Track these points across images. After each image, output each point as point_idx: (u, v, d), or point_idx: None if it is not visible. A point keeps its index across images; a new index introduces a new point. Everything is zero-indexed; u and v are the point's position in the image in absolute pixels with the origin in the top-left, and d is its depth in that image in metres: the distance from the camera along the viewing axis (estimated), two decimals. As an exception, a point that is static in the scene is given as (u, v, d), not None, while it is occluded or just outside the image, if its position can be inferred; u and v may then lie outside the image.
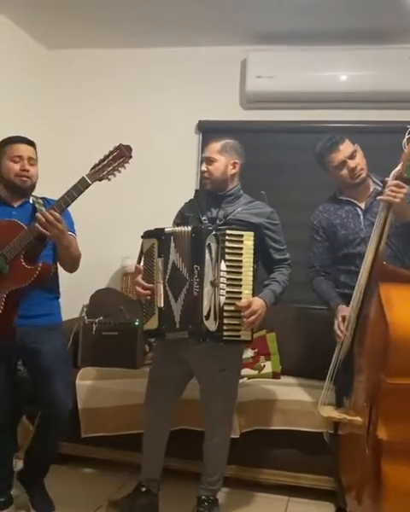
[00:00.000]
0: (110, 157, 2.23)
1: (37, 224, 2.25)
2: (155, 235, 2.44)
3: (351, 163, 2.57)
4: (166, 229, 2.44)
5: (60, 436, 2.64)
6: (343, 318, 2.43)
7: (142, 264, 2.47)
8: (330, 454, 2.64)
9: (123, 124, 4.04)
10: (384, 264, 2.25)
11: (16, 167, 2.45)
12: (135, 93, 4.06)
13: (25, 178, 2.47)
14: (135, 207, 3.88)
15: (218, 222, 2.51)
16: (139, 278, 2.45)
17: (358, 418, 2.17)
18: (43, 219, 2.23)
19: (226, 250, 2.35)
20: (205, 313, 2.32)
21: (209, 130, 3.91)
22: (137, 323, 3.30)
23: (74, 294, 3.49)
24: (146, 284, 2.42)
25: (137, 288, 2.45)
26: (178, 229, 2.44)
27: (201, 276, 2.33)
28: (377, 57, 3.59)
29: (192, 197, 2.76)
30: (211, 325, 2.32)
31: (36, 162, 2.53)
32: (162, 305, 2.39)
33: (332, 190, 2.81)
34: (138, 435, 2.66)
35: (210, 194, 2.64)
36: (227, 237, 2.36)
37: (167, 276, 2.40)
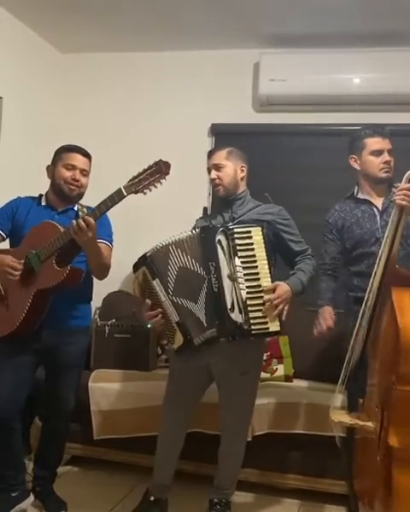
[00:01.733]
0: (149, 171, 2.25)
1: (70, 229, 2.30)
2: (141, 264, 2.46)
3: (388, 156, 2.60)
4: (147, 254, 2.45)
5: (62, 436, 2.71)
6: (328, 328, 2.56)
7: (146, 295, 2.47)
8: (343, 458, 2.63)
9: (136, 127, 4.06)
10: (397, 267, 2.23)
11: (68, 174, 2.54)
12: (148, 96, 4.07)
13: (73, 187, 2.55)
14: (148, 210, 3.88)
15: (226, 224, 2.50)
16: (149, 313, 2.45)
17: (369, 424, 2.15)
18: (76, 225, 2.28)
19: (237, 247, 2.36)
20: (229, 306, 2.32)
21: (222, 134, 3.92)
22: (149, 326, 3.31)
23: (87, 297, 3.51)
24: (152, 313, 2.43)
25: (150, 320, 2.47)
26: (177, 237, 2.42)
27: (217, 271, 2.34)
28: (391, 59, 3.58)
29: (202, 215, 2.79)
30: (237, 317, 2.32)
31: (88, 174, 2.62)
32: (178, 319, 2.38)
33: (345, 193, 2.80)
34: (150, 438, 2.67)
35: (220, 200, 2.67)
36: (236, 235, 2.37)
37: (171, 288, 2.39)
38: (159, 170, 2.24)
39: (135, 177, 2.26)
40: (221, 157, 2.63)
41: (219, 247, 2.36)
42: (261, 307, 2.34)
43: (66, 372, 2.59)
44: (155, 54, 4.02)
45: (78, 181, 2.55)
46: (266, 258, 2.37)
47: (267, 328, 2.34)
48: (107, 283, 3.83)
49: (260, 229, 2.39)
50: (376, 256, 2.33)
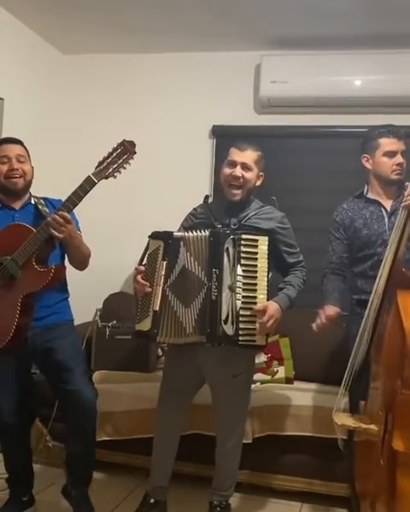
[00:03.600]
0: (114, 154, 2.21)
1: (47, 227, 2.25)
2: (162, 238, 2.40)
3: (400, 158, 2.57)
4: (175, 234, 2.41)
5: (91, 435, 2.52)
6: (328, 318, 2.47)
7: (144, 263, 2.44)
8: (345, 460, 2.62)
9: (137, 128, 4.04)
10: (403, 270, 2.21)
11: (4, 168, 2.43)
12: (150, 98, 4.08)
13: (15, 179, 2.44)
14: (149, 211, 3.89)
15: (232, 227, 2.47)
16: (139, 278, 2.41)
17: (373, 427, 2.14)
18: (54, 222, 2.23)
19: (242, 254, 2.33)
20: (224, 317, 2.29)
21: (223, 135, 3.92)
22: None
23: (88, 298, 3.52)
24: (144, 282, 2.38)
25: (136, 285, 2.41)
26: (190, 234, 2.40)
27: (219, 280, 2.30)
28: (392, 62, 3.58)
29: (202, 202, 2.71)
30: (229, 329, 2.30)
31: (26, 159, 2.49)
32: (157, 309, 2.36)
33: (348, 195, 2.78)
34: (151, 439, 2.65)
35: (224, 202, 2.57)
36: (243, 242, 2.34)
37: (171, 281, 2.38)
38: (125, 150, 2.20)
39: (101, 162, 2.22)
40: (252, 158, 2.49)
41: (225, 255, 2.32)
42: (252, 319, 2.32)
43: (71, 368, 2.42)
44: (156, 55, 4.03)
45: (17, 170, 2.42)
46: (266, 269, 2.36)
47: (254, 341, 2.33)
48: (107, 285, 3.87)
49: (267, 239, 2.37)
50: (381, 258, 2.32)
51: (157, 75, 4.06)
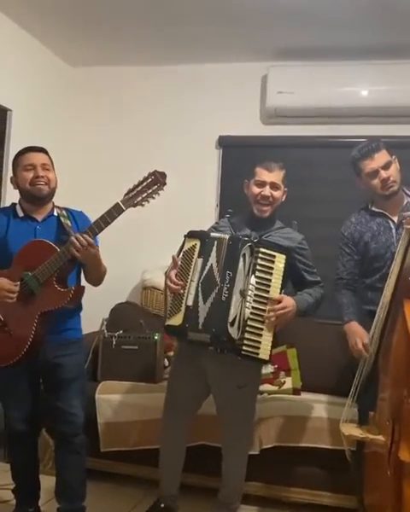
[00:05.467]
0: (144, 183, 2.22)
1: (72, 248, 2.26)
2: (199, 237, 2.44)
3: (384, 173, 2.54)
4: (211, 234, 2.47)
5: (80, 454, 2.54)
6: (362, 339, 2.43)
7: (180, 257, 2.46)
8: (353, 472, 2.60)
9: (145, 139, 4.08)
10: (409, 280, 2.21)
11: (29, 175, 2.44)
12: (157, 109, 4.10)
13: (40, 185, 2.44)
14: (156, 222, 3.89)
15: (253, 239, 2.48)
16: (173, 273, 2.43)
17: (380, 437, 2.13)
18: (78, 244, 2.25)
19: (258, 267, 2.37)
20: (230, 319, 2.30)
21: (230, 146, 3.95)
22: (156, 337, 3.30)
23: (94, 308, 3.49)
24: (177, 280, 2.40)
25: (168, 282, 2.43)
26: (219, 235, 2.46)
27: (232, 282, 2.33)
28: (398, 72, 3.59)
29: (225, 217, 2.76)
30: (234, 332, 2.30)
31: (51, 167, 2.51)
32: (191, 304, 2.37)
33: (353, 205, 2.79)
34: (158, 450, 2.65)
35: (248, 216, 2.63)
36: (261, 255, 2.38)
37: (202, 278, 2.40)
38: (156, 181, 2.21)
39: (131, 190, 2.24)
40: (280, 177, 2.58)
41: (241, 260, 2.35)
42: (259, 331, 2.33)
43: (68, 387, 2.49)
44: (163, 67, 4.06)
45: (43, 177, 2.43)
46: (280, 286, 2.38)
47: (257, 354, 2.33)
48: (114, 295, 3.87)
49: (284, 257, 2.39)
50: (389, 269, 2.31)
51: (164, 87, 4.09)
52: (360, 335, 2.49)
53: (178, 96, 4.07)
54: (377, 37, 3.46)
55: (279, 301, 2.35)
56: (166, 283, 2.47)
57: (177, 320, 2.37)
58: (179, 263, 2.44)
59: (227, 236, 2.42)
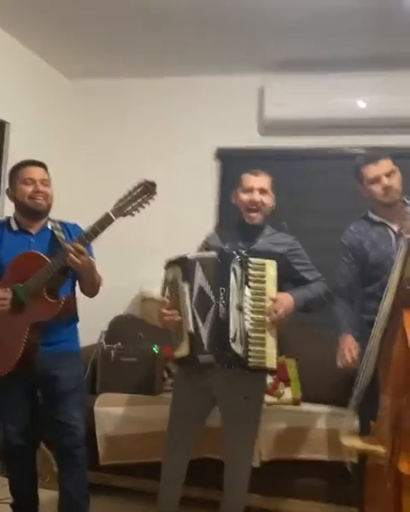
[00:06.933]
0: (134, 193, 2.22)
1: (62, 257, 2.26)
2: (178, 263, 2.42)
3: (386, 180, 2.55)
4: (188, 256, 2.42)
5: (82, 467, 2.54)
6: (351, 352, 2.48)
7: (166, 294, 2.44)
8: (354, 484, 2.58)
9: (142, 152, 4.09)
10: (409, 289, 2.20)
11: (29, 189, 2.45)
12: (154, 121, 4.12)
13: (39, 200, 2.46)
14: (154, 234, 3.90)
15: (241, 251, 2.45)
16: (165, 310, 2.40)
17: (380, 448, 2.11)
18: (71, 255, 2.24)
19: (250, 277, 2.35)
20: (232, 336, 2.30)
21: (228, 158, 3.96)
22: (155, 350, 3.29)
23: (93, 320, 3.49)
24: (171, 313, 2.38)
25: (164, 318, 2.41)
26: (203, 254, 2.44)
27: (227, 298, 2.32)
28: (396, 83, 3.61)
29: (212, 230, 2.74)
30: (237, 348, 2.30)
31: (49, 183, 2.52)
32: (192, 329, 2.35)
33: (352, 216, 2.79)
34: (157, 463, 2.62)
35: (239, 225, 2.62)
36: (250, 265, 2.35)
37: (194, 301, 2.38)
38: (145, 190, 2.22)
39: (121, 200, 2.23)
40: (267, 183, 2.58)
41: (232, 275, 2.34)
42: (262, 341, 2.32)
43: (67, 400, 2.47)
44: (161, 79, 4.08)
45: (42, 192, 2.46)
46: (275, 292, 2.36)
47: (263, 363, 2.32)
48: (113, 307, 3.86)
49: (275, 263, 2.37)
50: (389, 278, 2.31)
51: (162, 99, 4.11)
52: (349, 348, 2.54)
53: (176, 108, 4.08)
54: (374, 48, 3.48)
55: (275, 300, 2.34)
56: (162, 321, 2.44)
57: (183, 349, 2.37)
58: (167, 294, 2.43)
59: (215, 254, 2.40)
